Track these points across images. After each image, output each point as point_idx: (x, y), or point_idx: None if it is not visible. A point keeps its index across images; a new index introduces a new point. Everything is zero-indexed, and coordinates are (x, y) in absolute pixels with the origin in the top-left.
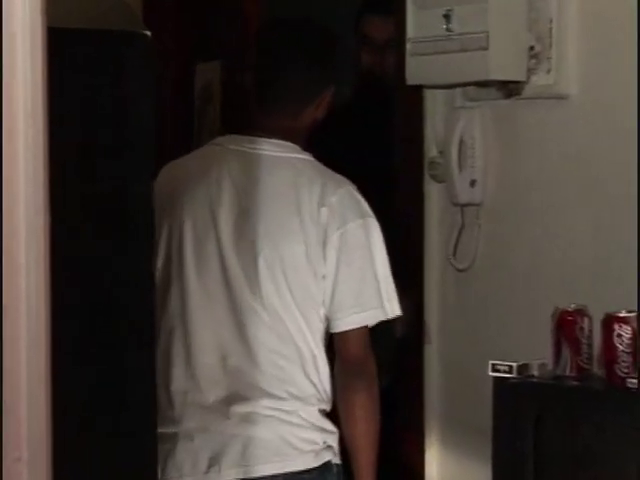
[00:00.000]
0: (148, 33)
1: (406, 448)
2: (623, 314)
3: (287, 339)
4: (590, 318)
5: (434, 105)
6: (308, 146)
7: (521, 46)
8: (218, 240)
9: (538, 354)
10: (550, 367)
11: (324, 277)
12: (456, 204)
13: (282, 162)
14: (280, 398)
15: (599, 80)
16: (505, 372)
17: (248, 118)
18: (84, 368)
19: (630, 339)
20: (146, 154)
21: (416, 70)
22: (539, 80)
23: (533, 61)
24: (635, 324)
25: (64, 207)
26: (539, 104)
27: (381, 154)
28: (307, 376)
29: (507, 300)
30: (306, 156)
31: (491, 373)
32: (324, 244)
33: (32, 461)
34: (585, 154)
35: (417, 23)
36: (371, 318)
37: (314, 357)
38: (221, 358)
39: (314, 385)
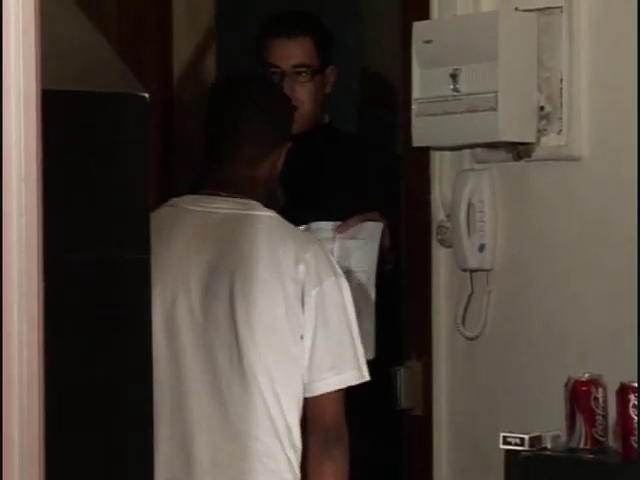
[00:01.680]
0: (145, 95)
1: None
2: (638, 384)
3: (263, 413)
4: (605, 388)
5: (441, 167)
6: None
7: (531, 106)
8: (190, 309)
9: (551, 426)
10: (564, 439)
11: (302, 338)
12: (465, 270)
13: (249, 220)
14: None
15: (612, 141)
16: (517, 445)
17: (205, 176)
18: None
19: None
20: (140, 218)
21: (422, 131)
22: (550, 141)
23: (543, 122)
24: None
25: (58, 274)
26: (550, 166)
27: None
28: (283, 450)
29: (518, 370)
30: (271, 213)
31: (502, 446)
32: (302, 303)
33: None
34: (599, 218)
35: (423, 83)
36: (349, 380)
37: (289, 430)
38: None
39: (289, 460)
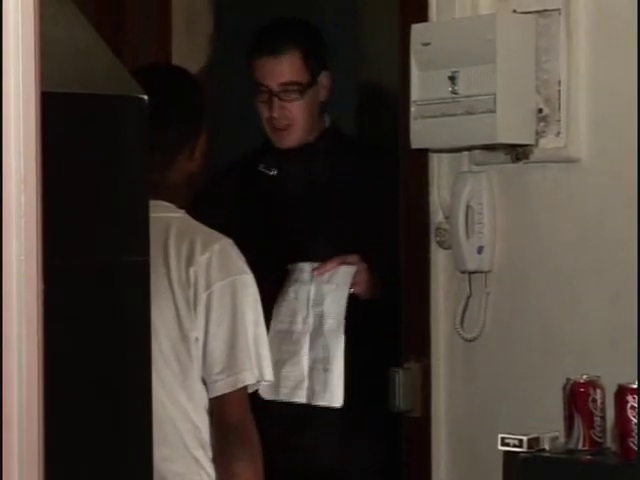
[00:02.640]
0: (144, 97)
1: None
2: (637, 385)
3: (163, 416)
4: (603, 389)
5: (440, 169)
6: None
7: (529, 108)
8: None
9: (549, 427)
10: (562, 441)
11: (197, 340)
12: (463, 271)
13: (151, 223)
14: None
15: (610, 142)
16: (515, 446)
17: None
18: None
19: None
20: (139, 220)
21: (421, 133)
22: (548, 143)
23: (542, 124)
24: None
25: (57, 275)
26: (548, 168)
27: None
28: (189, 451)
29: (517, 371)
30: (179, 214)
31: (500, 447)
32: (195, 306)
33: None
34: (597, 219)
35: (421, 85)
36: (244, 381)
37: (197, 430)
38: None
39: (197, 460)
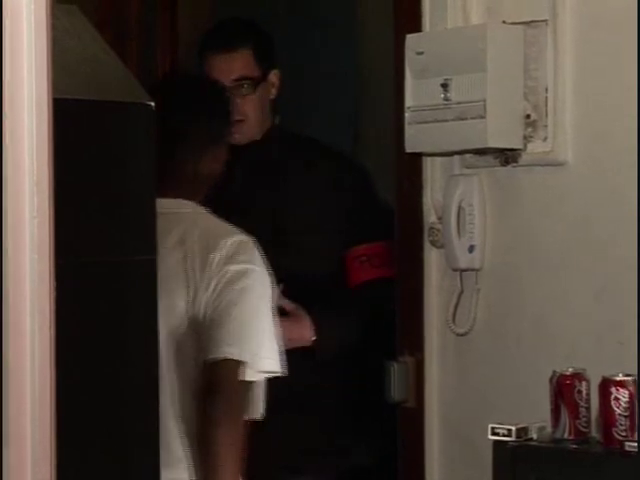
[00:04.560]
0: (152, 103)
1: None
2: (620, 377)
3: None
4: (588, 381)
5: (433, 172)
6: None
7: (518, 114)
8: None
9: (537, 417)
10: (549, 430)
11: (204, 313)
12: (455, 269)
13: (173, 219)
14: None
15: (595, 147)
16: (504, 435)
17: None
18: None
19: (628, 402)
20: (147, 221)
21: (415, 138)
22: (536, 147)
23: (530, 129)
24: (632, 387)
25: (68, 276)
26: (536, 171)
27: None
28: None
29: (506, 364)
30: (201, 210)
31: (490, 436)
32: (207, 286)
33: None
34: (583, 220)
35: (415, 92)
36: (241, 355)
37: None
38: None
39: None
